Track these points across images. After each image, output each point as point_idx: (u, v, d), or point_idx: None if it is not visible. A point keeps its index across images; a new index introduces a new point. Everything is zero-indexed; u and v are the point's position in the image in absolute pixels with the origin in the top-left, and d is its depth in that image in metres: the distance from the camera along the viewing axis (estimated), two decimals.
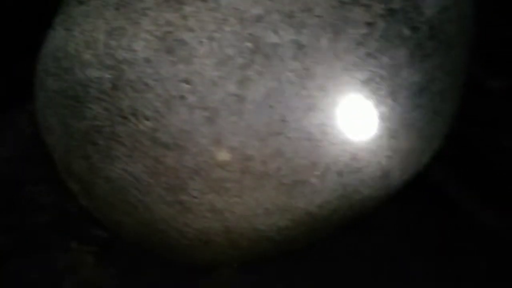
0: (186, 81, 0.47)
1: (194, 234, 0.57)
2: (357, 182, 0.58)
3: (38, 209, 0.79)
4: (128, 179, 0.54)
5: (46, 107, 0.57)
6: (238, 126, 0.49)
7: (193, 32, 0.47)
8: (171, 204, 0.55)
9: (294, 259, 0.66)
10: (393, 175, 0.62)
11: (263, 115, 0.49)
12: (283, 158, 0.51)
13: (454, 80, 0.62)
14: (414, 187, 0.68)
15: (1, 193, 0.78)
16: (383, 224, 0.71)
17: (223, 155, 0.50)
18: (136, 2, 0.48)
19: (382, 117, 0.54)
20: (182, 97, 0.48)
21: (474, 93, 0.71)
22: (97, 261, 0.69)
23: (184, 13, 0.47)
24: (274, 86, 0.48)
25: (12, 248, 0.71)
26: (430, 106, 0.59)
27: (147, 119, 0.49)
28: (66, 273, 0.68)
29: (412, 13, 0.53)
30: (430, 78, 0.57)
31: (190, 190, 0.53)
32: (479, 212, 0.72)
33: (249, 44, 0.47)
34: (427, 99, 0.58)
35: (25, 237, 0.74)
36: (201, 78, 0.47)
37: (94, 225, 0.71)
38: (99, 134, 0.52)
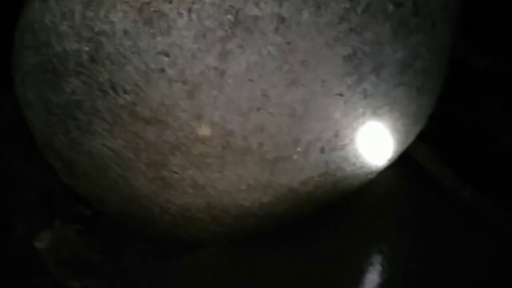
0: (165, 54, 0.47)
1: (176, 210, 0.57)
2: (340, 159, 0.58)
3: (21, 187, 0.78)
4: (109, 154, 0.54)
5: (24, 82, 0.56)
6: (219, 100, 0.48)
7: (171, 3, 0.46)
8: (152, 180, 0.54)
9: (278, 237, 0.66)
10: (375, 154, 0.63)
11: (244, 89, 0.48)
12: (265, 134, 0.51)
13: (438, 58, 0.62)
14: (397, 165, 0.68)
15: None
16: (366, 202, 0.71)
17: (204, 130, 0.49)
18: None
19: (365, 94, 0.54)
20: (161, 70, 0.47)
21: (459, 72, 0.71)
22: (81, 238, 0.68)
23: None
24: (255, 60, 0.48)
25: None
26: (414, 83, 0.59)
27: (126, 92, 0.48)
28: (50, 250, 0.68)
29: None
30: (414, 55, 0.57)
31: (171, 165, 0.52)
32: (462, 191, 0.73)
33: (229, 16, 0.46)
34: (411, 76, 0.58)
35: (7, 215, 0.73)
36: (181, 50, 0.46)
37: (77, 202, 0.71)
38: (78, 108, 0.52)
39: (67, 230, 0.70)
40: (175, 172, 0.52)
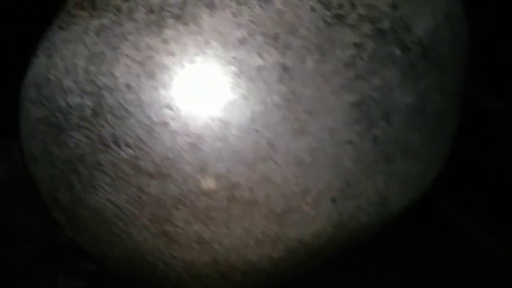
0: (168, 107, 0.46)
1: (182, 266, 0.54)
2: (353, 208, 0.55)
3: (26, 239, 0.77)
4: (112, 209, 0.52)
5: (30, 136, 0.56)
6: (223, 152, 0.47)
7: (174, 56, 0.45)
8: (156, 235, 0.52)
9: None
10: (391, 201, 0.60)
11: (249, 140, 0.47)
12: (272, 185, 0.49)
13: (450, 101, 0.60)
14: (414, 212, 0.65)
15: None
16: (383, 251, 0.68)
17: (209, 183, 0.48)
18: (116, 27, 0.47)
19: (376, 140, 0.52)
20: (164, 124, 0.46)
21: (473, 114, 0.69)
22: None
23: (165, 37, 0.46)
24: (260, 110, 0.46)
25: None
26: (426, 128, 0.57)
27: (129, 146, 0.47)
28: None
29: (402, 33, 0.51)
30: (425, 99, 0.55)
31: (175, 220, 0.50)
32: (480, 236, 0.69)
33: (232, 68, 0.46)
34: (423, 120, 0.56)
35: (11, 269, 0.71)
36: (184, 103, 0.46)
37: (82, 256, 0.69)
38: (81, 163, 0.51)
39: (71, 287, 0.67)
40: (179, 227, 0.50)
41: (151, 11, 0.47)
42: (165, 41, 0.46)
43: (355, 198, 0.54)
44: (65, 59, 0.48)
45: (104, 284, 0.67)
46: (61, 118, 0.50)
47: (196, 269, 0.54)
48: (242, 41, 0.46)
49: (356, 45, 0.49)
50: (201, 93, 0.46)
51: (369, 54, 0.50)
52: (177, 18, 0.46)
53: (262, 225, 0.51)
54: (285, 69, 0.46)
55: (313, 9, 0.48)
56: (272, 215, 0.50)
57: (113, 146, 0.48)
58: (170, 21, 0.46)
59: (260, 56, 0.46)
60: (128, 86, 0.46)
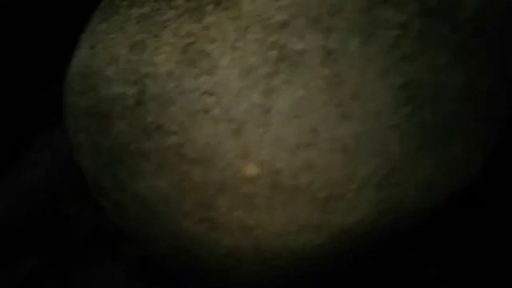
0: (210, 93, 0.46)
1: (224, 252, 0.55)
2: (398, 195, 0.54)
3: (73, 226, 0.79)
4: (156, 196, 0.53)
5: (75, 126, 0.57)
6: (265, 138, 0.46)
7: (215, 42, 0.45)
8: (199, 221, 0.52)
9: (332, 280, 0.62)
10: (437, 187, 0.57)
11: (291, 125, 0.46)
12: (315, 171, 0.48)
13: (500, 83, 0.57)
14: (462, 200, 0.62)
15: (38, 212, 0.79)
16: (427, 240, 0.66)
17: (251, 169, 0.47)
18: (157, 15, 0.47)
19: (423, 125, 0.50)
20: (206, 110, 0.46)
21: None
22: (130, 279, 0.67)
23: (205, 23, 0.45)
24: (302, 95, 0.45)
25: (44, 268, 0.71)
26: (475, 111, 0.54)
27: (172, 134, 0.48)
28: None
29: (451, 11, 0.49)
30: (474, 81, 0.52)
31: (218, 206, 0.50)
32: None
33: (274, 52, 0.45)
34: (471, 103, 0.53)
35: (60, 254, 0.74)
36: (225, 89, 0.45)
37: (127, 242, 0.71)
38: (125, 151, 0.51)
39: (117, 270, 0.69)
40: (222, 213, 0.50)
41: None
42: (205, 28, 0.45)
43: (401, 185, 0.53)
44: (108, 49, 0.49)
45: (148, 269, 0.68)
46: (105, 107, 0.51)
47: (238, 255, 0.55)
48: (283, 25, 0.45)
49: (401, 25, 0.47)
50: (242, 79, 0.45)
51: (415, 34, 0.47)
52: (217, 3, 0.46)
53: (305, 212, 0.50)
54: (328, 52, 0.45)
55: None
56: (315, 202, 0.49)
57: (156, 133, 0.48)
58: (210, 7, 0.46)
59: (302, 39, 0.45)
60: (169, 74, 0.46)
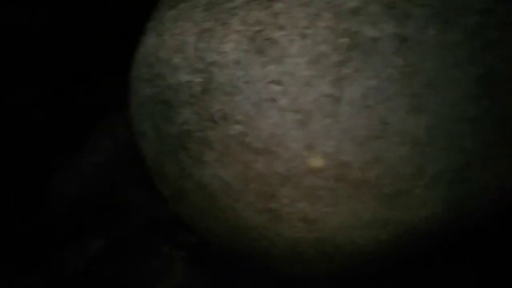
0: (277, 82, 0.45)
1: (285, 244, 0.54)
2: (470, 193, 0.51)
3: (131, 212, 0.81)
4: (219, 184, 0.53)
5: (139, 113, 0.58)
6: (333, 129, 0.45)
7: (284, 30, 0.44)
8: (261, 211, 0.52)
9: (392, 276, 0.60)
10: (511, 187, 0.54)
11: (360, 117, 0.44)
12: (384, 165, 0.46)
13: None
14: None
15: (96, 196, 0.82)
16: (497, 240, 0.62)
17: (316, 161, 0.46)
18: (225, 2, 0.46)
19: (501, 118, 0.47)
20: (272, 99, 0.45)
21: None
22: (188, 267, 0.69)
23: (274, 10, 0.44)
24: (374, 85, 0.44)
25: (105, 251, 0.74)
26: None
27: (237, 123, 0.47)
28: (158, 277, 0.69)
29: None
30: None
31: (281, 197, 0.50)
32: None
33: (345, 40, 0.43)
34: None
35: (118, 239, 0.76)
36: (293, 78, 0.44)
37: (184, 230, 0.72)
38: (190, 138, 0.52)
39: (175, 257, 0.70)
40: (285, 205, 0.50)
41: None
42: (274, 15, 0.44)
43: (473, 182, 0.50)
44: (175, 37, 0.49)
45: (205, 257, 0.69)
46: (170, 95, 0.51)
47: (299, 247, 0.54)
48: (355, 11, 0.43)
49: (483, 11, 0.44)
50: (311, 68, 0.44)
51: (498, 21, 0.44)
52: None
53: (371, 206, 0.48)
54: (403, 40, 0.43)
55: None
56: (383, 197, 0.48)
57: (221, 122, 0.48)
58: None
59: (375, 26, 0.43)
60: (237, 62, 0.46)
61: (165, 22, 0.51)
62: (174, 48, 0.49)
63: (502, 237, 0.64)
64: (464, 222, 0.54)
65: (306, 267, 0.57)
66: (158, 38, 0.51)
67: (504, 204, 0.56)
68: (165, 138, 0.55)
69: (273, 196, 0.50)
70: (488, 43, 0.44)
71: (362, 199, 0.48)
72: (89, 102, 0.98)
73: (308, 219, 0.50)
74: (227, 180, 0.52)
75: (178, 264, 0.69)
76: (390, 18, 0.43)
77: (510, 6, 0.45)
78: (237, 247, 0.60)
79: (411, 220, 0.50)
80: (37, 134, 0.90)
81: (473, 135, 0.46)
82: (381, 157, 0.46)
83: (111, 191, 0.84)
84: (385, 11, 0.43)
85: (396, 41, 0.43)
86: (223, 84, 0.47)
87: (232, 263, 0.65)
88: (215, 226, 0.59)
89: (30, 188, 0.82)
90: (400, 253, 0.55)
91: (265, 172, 0.49)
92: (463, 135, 0.46)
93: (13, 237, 0.73)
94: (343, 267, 0.57)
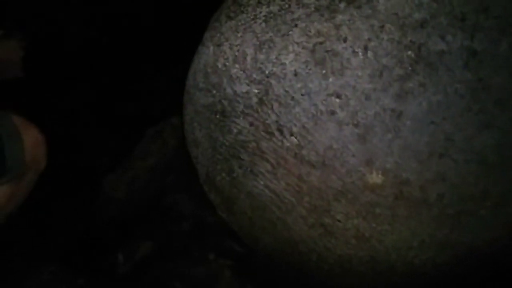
0: (337, 95, 0.44)
1: (335, 260, 0.53)
2: None
3: (178, 217, 0.82)
4: (270, 196, 0.52)
5: (194, 121, 0.59)
6: (394, 145, 0.43)
7: (346, 42, 0.43)
8: (312, 225, 0.51)
9: None
10: None
11: (424, 133, 0.42)
12: (447, 184, 0.44)
13: None
14: None
15: (145, 200, 0.84)
16: None
17: (375, 177, 0.45)
18: (286, 14, 0.46)
19: None
20: (331, 112, 0.44)
21: None
22: (234, 275, 0.68)
23: (336, 22, 0.44)
24: (439, 100, 0.42)
25: (152, 256, 0.74)
26: None
27: (293, 135, 0.47)
28: (205, 283, 0.69)
29: None
30: None
31: (335, 212, 0.48)
32: None
33: (410, 53, 0.42)
34: None
35: (165, 243, 0.77)
36: (354, 91, 0.43)
37: (231, 238, 0.72)
38: (244, 149, 0.52)
39: (221, 265, 0.70)
40: (338, 220, 0.48)
41: None
42: (336, 27, 0.44)
43: None
44: (234, 48, 0.49)
45: (251, 266, 0.68)
46: (227, 105, 0.51)
47: (350, 264, 0.52)
48: (422, 24, 0.42)
49: None
50: (373, 81, 0.43)
51: None
52: (350, 1, 0.44)
53: (430, 227, 0.46)
54: (473, 53, 0.41)
55: None
56: (444, 217, 0.45)
57: (277, 134, 0.48)
58: (342, 5, 0.44)
59: (443, 39, 0.41)
60: (296, 74, 0.45)
61: (224, 33, 0.51)
62: (232, 58, 0.49)
63: None
64: None
65: (356, 285, 0.56)
66: (217, 48, 0.51)
67: None
68: (218, 147, 0.55)
69: (326, 211, 0.49)
70: None
71: (421, 218, 0.46)
72: (140, 108, 1.01)
73: (362, 237, 0.49)
74: (279, 192, 0.51)
75: (224, 273, 0.69)
76: (459, 30, 0.41)
77: None
78: (285, 259, 0.59)
79: (473, 242, 0.48)
80: (89, 138, 0.93)
81: None
82: (444, 176, 0.44)
83: (160, 196, 0.86)
84: (454, 23, 0.41)
85: (465, 55, 0.41)
86: (280, 95, 0.46)
87: (279, 275, 0.64)
88: (264, 237, 0.59)
89: (81, 191, 0.84)
90: (458, 276, 0.52)
91: (320, 186, 0.48)
92: None
93: (65, 240, 0.76)
94: (395, 287, 0.54)
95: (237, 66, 0.49)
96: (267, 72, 0.47)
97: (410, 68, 0.42)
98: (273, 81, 0.46)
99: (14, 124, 0.46)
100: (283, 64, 0.46)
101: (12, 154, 0.45)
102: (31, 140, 0.47)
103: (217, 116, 0.53)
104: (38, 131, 0.49)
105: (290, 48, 0.45)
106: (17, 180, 0.47)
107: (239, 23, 0.49)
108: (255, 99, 0.48)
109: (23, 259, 0.69)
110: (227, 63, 0.50)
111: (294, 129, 0.46)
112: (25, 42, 0.58)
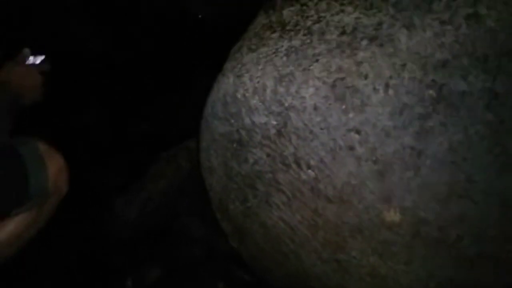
0: (356, 131, 0.44)
1: None
2: None
3: (189, 242, 0.82)
4: (284, 228, 0.52)
5: (210, 148, 0.59)
6: (413, 183, 0.43)
7: (367, 78, 0.43)
8: (326, 261, 0.50)
9: None
10: None
11: (444, 172, 0.42)
12: (466, 225, 0.43)
13: None
14: None
15: (156, 223, 0.83)
16: None
17: (393, 215, 0.44)
18: (307, 49, 0.46)
19: None
20: (350, 148, 0.44)
21: None
22: None
23: (358, 59, 0.44)
24: (460, 140, 0.41)
25: (162, 280, 0.74)
26: None
27: (310, 168, 0.47)
28: None
29: None
30: None
31: (350, 249, 0.48)
32: None
33: (431, 92, 0.42)
34: None
35: (175, 270, 0.76)
36: (373, 128, 0.43)
37: (241, 267, 0.71)
38: (259, 179, 0.52)
39: None
40: (354, 257, 0.48)
41: (343, 32, 0.45)
42: (357, 63, 0.44)
43: None
44: (254, 79, 0.50)
45: None
46: (244, 135, 0.52)
47: None
48: (444, 64, 0.42)
49: None
50: (393, 118, 0.43)
51: None
52: (372, 39, 0.44)
53: (448, 268, 0.45)
54: (495, 95, 0.41)
55: None
56: (462, 259, 0.44)
57: (294, 166, 0.48)
58: (364, 42, 0.44)
59: (465, 80, 0.41)
60: (315, 108, 0.45)
61: (245, 64, 0.52)
62: (252, 90, 0.50)
63: None
64: None
65: None
66: (237, 79, 0.52)
67: None
68: (234, 176, 0.55)
69: (342, 247, 0.48)
70: None
71: (439, 259, 0.45)
72: (154, 132, 1.02)
73: (378, 275, 0.48)
74: (293, 224, 0.50)
75: None
76: (481, 71, 0.41)
77: None
78: None
79: (492, 286, 0.46)
80: (101, 158, 0.94)
81: None
82: (463, 217, 0.43)
83: (171, 220, 0.85)
84: (476, 64, 0.41)
85: (487, 96, 0.41)
86: (299, 128, 0.46)
87: None
88: (275, 269, 0.58)
89: (91, 212, 0.84)
90: None
91: (336, 221, 0.47)
92: None
93: (74, 262, 0.75)
94: None
95: (256, 97, 0.49)
96: (286, 104, 0.47)
97: (431, 107, 0.41)
98: (292, 114, 0.47)
99: (39, 151, 0.47)
100: (302, 97, 0.46)
101: (36, 181, 0.45)
102: (55, 167, 0.48)
103: (234, 145, 0.53)
104: (62, 158, 0.50)
105: (311, 82, 0.45)
106: (39, 207, 0.48)
107: (260, 56, 0.50)
108: (273, 131, 0.48)
109: (32, 281, 0.68)
110: (246, 94, 0.50)
111: (312, 162, 0.46)
112: (46, 68, 0.59)
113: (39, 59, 0.59)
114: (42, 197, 0.47)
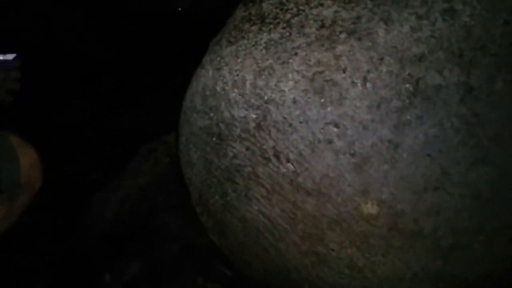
0: (335, 124, 0.44)
1: None
2: None
3: (168, 238, 0.81)
4: (263, 221, 0.52)
5: (189, 142, 0.58)
6: (390, 176, 0.43)
7: (345, 72, 0.43)
8: (305, 253, 0.51)
9: None
10: None
11: (420, 165, 0.43)
12: (441, 217, 0.44)
13: None
14: None
15: (135, 219, 0.82)
16: None
17: (370, 208, 0.45)
18: (287, 42, 0.46)
19: None
20: (329, 141, 0.44)
21: None
22: None
23: (336, 53, 0.44)
24: (435, 133, 0.42)
25: (141, 276, 0.73)
26: None
27: (289, 161, 0.47)
28: None
29: None
30: None
31: (329, 241, 0.48)
32: None
33: (408, 86, 0.42)
34: None
35: (154, 265, 0.76)
36: (352, 121, 0.43)
37: (220, 261, 0.70)
38: (239, 173, 0.51)
39: None
40: (332, 249, 0.48)
41: (322, 25, 0.46)
42: (336, 57, 0.44)
43: None
44: (234, 72, 0.49)
45: None
46: (223, 129, 0.51)
47: None
48: (420, 58, 0.42)
49: None
50: (371, 112, 0.43)
51: None
52: (350, 33, 0.44)
53: (423, 259, 0.46)
54: (469, 89, 0.41)
55: (506, 23, 0.42)
56: (437, 250, 0.45)
57: (273, 159, 0.48)
58: (343, 36, 0.44)
59: (441, 74, 0.42)
60: (294, 101, 0.45)
61: (224, 57, 0.51)
62: (232, 83, 0.49)
63: None
64: None
65: None
66: (216, 72, 0.52)
67: None
68: (213, 170, 0.55)
69: (320, 239, 0.48)
70: None
71: (415, 250, 0.46)
72: (133, 126, 1.00)
73: (356, 267, 0.48)
74: (273, 218, 0.51)
75: None
76: (456, 66, 0.42)
77: None
78: (276, 287, 0.59)
79: (466, 276, 0.47)
80: (79, 153, 0.92)
81: None
82: (438, 209, 0.44)
83: (150, 215, 0.84)
84: (452, 58, 0.42)
85: (462, 90, 0.42)
86: (278, 122, 0.46)
87: None
88: (255, 263, 0.58)
89: (69, 208, 0.82)
90: None
91: (315, 214, 0.47)
92: None
93: (52, 258, 0.74)
94: None
95: (236, 90, 0.49)
96: (265, 98, 0.47)
97: (407, 101, 0.42)
98: (271, 107, 0.47)
99: (11, 144, 0.45)
100: (282, 91, 0.46)
101: (8, 175, 0.44)
102: (28, 161, 0.47)
103: (214, 139, 0.53)
104: (34, 152, 0.49)
105: (290, 75, 0.45)
106: (10, 201, 0.47)
107: (240, 49, 0.50)
108: (252, 124, 0.48)
109: (11, 278, 0.67)
110: (226, 87, 0.50)
111: (291, 156, 0.46)
112: (16, 64, 0.57)
113: (9, 57, 0.57)
114: (13, 191, 0.46)
